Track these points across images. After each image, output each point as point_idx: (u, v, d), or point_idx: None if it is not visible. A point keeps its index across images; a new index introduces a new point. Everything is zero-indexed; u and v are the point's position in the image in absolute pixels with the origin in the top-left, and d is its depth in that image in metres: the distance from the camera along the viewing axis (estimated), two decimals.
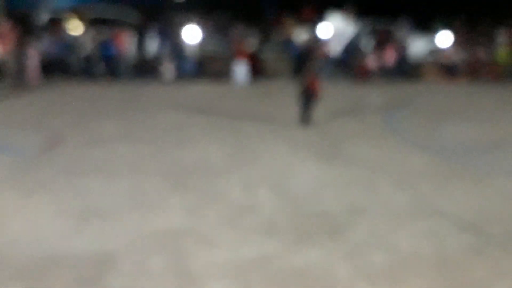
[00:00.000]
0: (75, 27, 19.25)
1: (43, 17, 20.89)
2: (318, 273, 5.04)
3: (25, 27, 20.85)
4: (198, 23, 22.03)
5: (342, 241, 5.73)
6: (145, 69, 18.40)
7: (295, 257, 5.32)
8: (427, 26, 26.07)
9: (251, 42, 19.77)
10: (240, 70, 18.13)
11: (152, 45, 19.11)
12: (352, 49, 19.11)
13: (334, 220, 6.30)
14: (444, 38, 20.19)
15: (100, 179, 7.63)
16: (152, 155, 8.94)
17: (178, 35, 19.01)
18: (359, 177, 7.98)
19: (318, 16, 28.12)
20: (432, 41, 22.53)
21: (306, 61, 11.36)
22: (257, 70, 19.40)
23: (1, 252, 5.33)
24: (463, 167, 8.63)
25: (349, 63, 19.13)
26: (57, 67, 18.13)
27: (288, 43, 23.49)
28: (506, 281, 4.93)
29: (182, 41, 18.76)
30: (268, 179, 7.79)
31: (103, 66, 18.88)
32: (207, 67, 19.29)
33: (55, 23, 20.00)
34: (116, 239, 5.70)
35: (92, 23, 19.32)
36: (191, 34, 18.99)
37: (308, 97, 11.38)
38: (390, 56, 19.00)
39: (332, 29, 18.06)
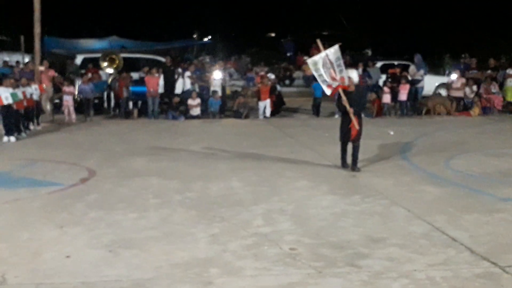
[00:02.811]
0: (109, 68, 19.56)
1: (78, 58, 21.31)
2: None
3: (61, 67, 21.33)
4: (223, 64, 22.36)
5: (361, 270, 5.64)
6: (173, 107, 18.55)
7: (317, 286, 5.24)
8: (439, 63, 26.13)
9: (273, 80, 19.90)
10: (262, 108, 18.21)
11: (180, 84, 19.30)
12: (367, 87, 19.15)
13: (353, 250, 6.21)
14: (455, 74, 20.10)
15: (129, 212, 7.64)
16: (178, 189, 8.95)
17: (204, 74, 19.19)
18: (376, 208, 7.89)
19: None
20: (444, 77, 22.54)
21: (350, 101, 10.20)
22: (279, 106, 19.53)
23: (35, 281, 5.33)
24: (476, 198, 8.49)
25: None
26: (92, 106, 18.39)
27: (308, 81, 23.68)
28: None
29: (208, 80, 18.91)
30: (289, 211, 7.74)
31: (135, 105, 19.14)
32: (231, 104, 19.44)
33: (90, 64, 20.37)
34: (144, 268, 5.68)
35: (124, 63, 19.64)
36: (217, 73, 19.17)
37: (348, 139, 10.39)
38: (403, 92, 18.93)
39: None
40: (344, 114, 10.41)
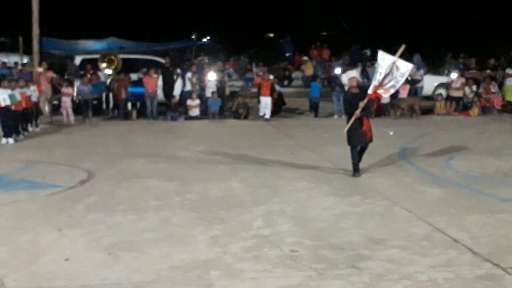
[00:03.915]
0: (107, 69, 19.52)
1: (77, 59, 21.27)
2: None
3: (59, 68, 21.28)
4: (222, 64, 22.31)
5: (362, 272, 5.61)
6: (172, 108, 18.52)
7: None
8: (438, 62, 26.09)
9: (273, 80, 19.82)
10: (263, 104, 18.05)
11: (179, 85, 19.25)
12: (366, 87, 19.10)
13: (354, 251, 6.18)
14: (455, 74, 20.07)
15: (129, 214, 7.61)
16: (179, 191, 8.92)
17: (202, 75, 19.13)
18: (377, 209, 7.86)
19: (330, 56, 28.34)
20: (443, 77, 22.49)
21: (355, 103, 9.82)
22: (280, 106, 19.48)
23: (35, 285, 5.30)
24: (477, 199, 8.47)
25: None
26: (90, 107, 18.34)
27: (307, 81, 23.65)
28: None
29: (207, 81, 18.85)
30: (289, 212, 7.72)
31: (133, 106, 19.10)
32: (230, 105, 19.40)
33: (89, 65, 20.34)
34: (145, 271, 5.65)
35: (123, 64, 19.60)
36: (211, 75, 19.08)
37: (362, 143, 10.00)
38: (403, 92, 18.89)
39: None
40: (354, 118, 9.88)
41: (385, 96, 10.03)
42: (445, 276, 5.48)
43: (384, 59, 9.96)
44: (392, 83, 9.95)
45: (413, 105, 18.56)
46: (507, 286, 5.27)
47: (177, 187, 9.13)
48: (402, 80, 10.04)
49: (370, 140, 9.99)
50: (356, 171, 9.88)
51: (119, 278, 5.47)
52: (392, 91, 10.26)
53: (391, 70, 9.83)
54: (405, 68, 9.96)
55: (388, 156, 11.61)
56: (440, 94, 20.12)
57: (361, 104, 9.76)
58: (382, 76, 9.89)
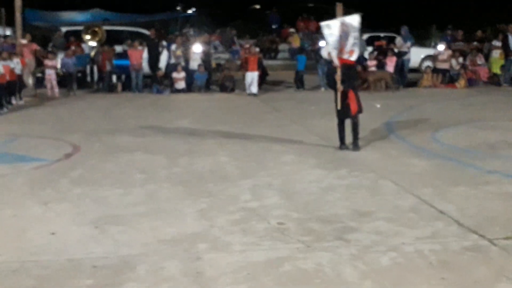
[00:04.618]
0: (91, 41, 19.26)
1: (60, 31, 20.96)
2: (327, 275, 4.95)
3: (42, 41, 20.96)
4: (208, 37, 22.07)
5: (350, 244, 5.64)
6: (158, 80, 18.37)
7: (305, 261, 5.23)
8: (425, 35, 26.04)
9: (259, 55, 19.66)
10: (249, 80, 17.78)
11: (164, 57, 19.06)
12: None
13: (341, 224, 6.21)
14: (441, 46, 20.06)
15: (115, 188, 7.57)
16: (165, 164, 8.88)
17: (188, 47, 18.95)
18: (363, 182, 7.89)
19: (317, 28, 28.13)
20: (430, 49, 22.49)
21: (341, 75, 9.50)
22: (263, 78, 19.33)
23: (21, 259, 5.27)
24: (463, 171, 8.52)
25: None
26: (75, 80, 18.14)
27: (294, 53, 23.51)
28: (508, 283, 4.82)
29: (192, 53, 18.67)
30: (276, 185, 7.72)
31: (118, 78, 18.92)
32: (216, 78, 19.26)
33: (72, 37, 20.06)
34: (132, 245, 5.63)
35: (107, 36, 19.35)
36: (196, 47, 18.88)
37: (347, 116, 9.75)
38: (389, 65, 18.88)
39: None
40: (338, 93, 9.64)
41: (353, 59, 9.61)
42: (432, 248, 5.52)
43: (330, 26, 9.61)
44: (351, 42, 9.55)
45: (382, 78, 18.40)
46: (493, 257, 5.32)
47: (163, 161, 9.09)
48: (358, 35, 9.67)
49: (357, 111, 9.66)
50: (342, 144, 9.81)
51: (106, 252, 5.45)
52: (356, 50, 9.72)
53: (344, 31, 9.48)
54: (354, 21, 9.60)
55: (375, 129, 11.62)
56: (429, 66, 20.08)
57: (337, 77, 9.52)
58: (337, 41, 9.52)
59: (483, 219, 6.32)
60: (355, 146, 9.74)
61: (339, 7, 9.79)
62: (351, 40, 9.56)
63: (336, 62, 9.66)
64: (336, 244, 5.64)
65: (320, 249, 5.51)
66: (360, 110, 9.75)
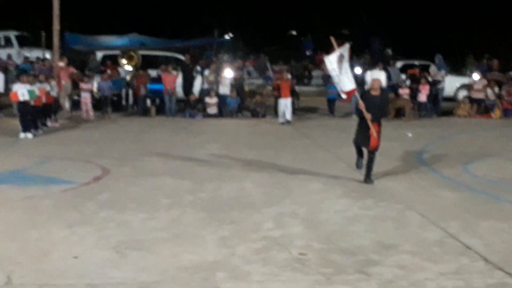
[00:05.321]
0: (127, 65, 19.60)
1: (98, 54, 21.39)
2: None
3: (81, 64, 21.42)
4: (242, 62, 22.21)
5: (371, 278, 5.52)
6: (191, 105, 18.51)
7: None
8: (460, 64, 25.74)
9: (291, 79, 19.66)
10: (282, 107, 17.57)
11: (198, 82, 19.25)
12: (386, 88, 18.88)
13: (364, 256, 6.09)
14: (476, 75, 19.78)
15: (140, 212, 7.60)
16: (191, 189, 8.89)
17: (220, 73, 19.09)
18: (389, 213, 7.75)
19: (351, 55, 27.88)
20: (465, 78, 22.19)
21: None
22: (294, 104, 19.28)
23: (41, 282, 5.30)
24: (494, 204, 8.31)
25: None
26: (110, 103, 18.42)
27: (327, 80, 23.41)
28: None
29: (223, 79, 18.80)
30: (300, 214, 7.64)
31: (153, 102, 19.14)
32: (248, 103, 19.32)
33: (109, 61, 20.44)
34: (152, 271, 5.62)
35: (143, 61, 19.66)
36: (228, 72, 18.99)
37: (363, 145, 9.53)
38: (423, 93, 18.68)
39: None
40: (363, 119, 9.39)
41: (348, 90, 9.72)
42: (455, 284, 5.37)
43: (331, 62, 9.73)
44: (347, 72, 9.76)
45: (400, 107, 18.24)
46: None
47: (190, 186, 9.10)
48: (346, 63, 9.72)
49: (373, 147, 9.31)
50: (356, 165, 9.69)
51: (124, 277, 5.45)
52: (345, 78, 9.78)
53: (341, 62, 9.64)
54: (345, 50, 9.75)
55: (405, 158, 11.47)
56: (467, 97, 19.71)
57: (360, 106, 9.31)
58: (339, 74, 9.68)
59: (511, 256, 6.12)
60: (368, 179, 9.42)
61: (332, 40, 9.88)
62: (346, 69, 9.72)
63: (343, 96, 9.95)
64: (356, 277, 5.53)
65: (340, 282, 5.41)
66: (378, 148, 9.42)
